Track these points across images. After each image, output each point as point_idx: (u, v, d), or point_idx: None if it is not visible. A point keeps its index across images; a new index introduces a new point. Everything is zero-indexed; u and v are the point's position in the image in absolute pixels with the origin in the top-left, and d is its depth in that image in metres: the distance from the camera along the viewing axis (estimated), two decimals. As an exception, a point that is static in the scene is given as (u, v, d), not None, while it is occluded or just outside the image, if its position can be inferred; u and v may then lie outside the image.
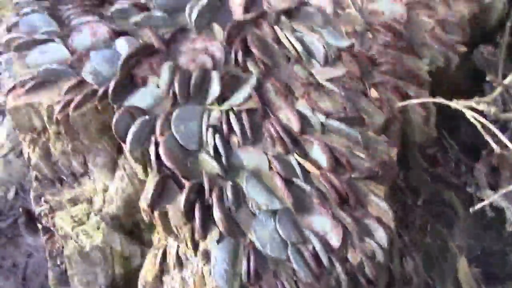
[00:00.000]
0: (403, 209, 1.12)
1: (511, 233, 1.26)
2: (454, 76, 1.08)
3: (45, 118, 0.97)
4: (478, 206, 0.89)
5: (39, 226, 1.15)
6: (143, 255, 1.05)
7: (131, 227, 1.09)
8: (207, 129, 0.90)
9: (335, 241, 0.82)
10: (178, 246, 0.92)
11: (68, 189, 1.09)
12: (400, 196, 1.12)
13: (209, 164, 0.88)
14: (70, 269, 1.06)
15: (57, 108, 0.94)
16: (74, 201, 1.09)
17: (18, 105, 0.96)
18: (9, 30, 1.03)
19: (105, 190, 1.08)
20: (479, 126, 0.78)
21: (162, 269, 0.97)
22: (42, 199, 1.11)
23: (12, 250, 1.76)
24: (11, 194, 1.79)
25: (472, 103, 0.83)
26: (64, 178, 1.09)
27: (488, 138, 0.77)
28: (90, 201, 1.10)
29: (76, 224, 1.09)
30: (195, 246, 0.86)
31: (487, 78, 0.93)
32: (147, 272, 1.00)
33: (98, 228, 1.08)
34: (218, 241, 0.83)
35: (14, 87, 0.98)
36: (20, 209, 1.73)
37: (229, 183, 0.86)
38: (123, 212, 1.07)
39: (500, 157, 1.09)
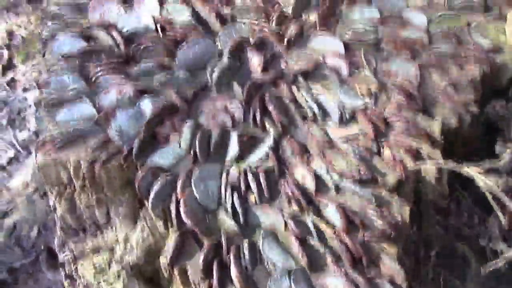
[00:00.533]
0: (416, 261, 1.14)
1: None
2: (467, 131, 1.11)
3: (72, 174, 1.02)
4: (492, 264, 0.91)
5: (62, 272, 1.19)
6: (163, 303, 1.08)
7: (150, 275, 1.13)
8: (225, 188, 0.94)
9: (348, 302, 0.85)
10: (196, 301, 0.96)
11: (91, 238, 1.13)
12: (413, 248, 1.14)
13: (227, 222, 0.92)
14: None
15: (84, 165, 0.99)
16: (96, 250, 1.13)
17: (47, 162, 1.02)
18: (40, 87, 1.09)
19: (126, 239, 1.11)
20: (489, 197, 0.80)
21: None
22: (66, 247, 1.16)
23: (32, 285, 1.82)
24: (34, 233, 1.85)
25: (480, 168, 0.86)
26: (88, 227, 1.13)
27: (496, 207, 0.79)
28: (111, 250, 1.13)
29: (98, 272, 1.13)
30: (213, 302, 0.89)
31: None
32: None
33: (118, 277, 1.12)
34: (235, 299, 0.86)
35: (44, 143, 1.04)
36: (42, 247, 1.79)
37: (246, 242, 0.89)
38: (143, 261, 1.11)
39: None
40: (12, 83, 3.03)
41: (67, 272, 1.18)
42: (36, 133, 2.67)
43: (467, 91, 1.07)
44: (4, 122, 2.83)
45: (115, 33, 1.11)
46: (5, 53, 3.15)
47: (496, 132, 1.32)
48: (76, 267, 1.15)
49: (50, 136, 1.03)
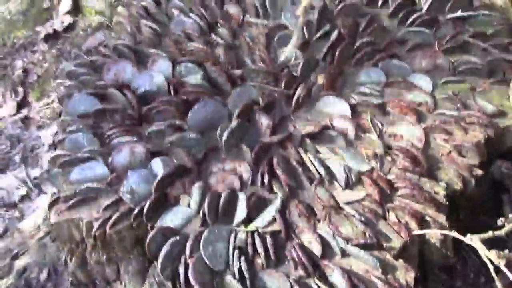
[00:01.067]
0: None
1: None
2: (472, 191, 1.13)
3: (84, 233, 1.04)
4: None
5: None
6: None
7: None
8: (233, 251, 0.96)
9: None
10: None
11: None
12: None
13: (234, 286, 0.93)
14: None
15: (96, 225, 1.02)
16: None
17: (60, 221, 1.04)
18: (55, 146, 1.13)
19: None
20: (491, 268, 0.82)
21: None
22: None
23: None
24: (44, 276, 1.86)
25: (483, 236, 0.87)
26: (98, 283, 1.15)
27: (497, 280, 0.81)
28: None
29: None
30: None
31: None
32: None
33: None
34: None
35: (57, 202, 1.07)
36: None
37: None
38: None
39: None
40: (26, 120, 3.09)
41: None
42: (49, 171, 2.71)
43: (471, 155, 1.09)
44: (18, 159, 2.88)
45: (129, 93, 1.15)
46: (20, 90, 3.22)
47: (502, 188, 1.33)
48: None
49: (64, 195, 1.06)
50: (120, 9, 1.43)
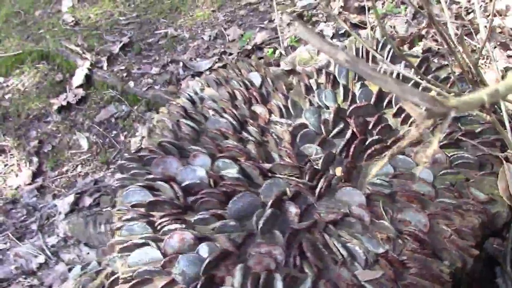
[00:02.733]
0: None
1: None
2: (471, 268, 1.32)
3: None
4: None
5: None
6: None
7: None
8: None
9: None
10: None
11: None
12: None
13: None
14: None
15: None
16: None
17: None
18: (113, 233, 1.31)
19: None
20: None
21: None
22: None
23: None
24: None
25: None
26: None
27: None
28: None
29: None
30: None
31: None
32: None
33: None
34: None
35: (116, 282, 1.24)
36: None
37: None
38: None
39: None
40: (41, 189, 3.25)
41: None
42: (65, 240, 2.85)
43: (468, 237, 1.29)
44: (35, 227, 3.03)
45: (175, 186, 1.34)
46: (35, 160, 3.40)
47: (495, 262, 1.53)
48: None
49: (123, 276, 1.24)
50: (162, 108, 1.64)
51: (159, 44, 3.81)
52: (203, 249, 1.24)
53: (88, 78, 3.65)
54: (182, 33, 3.84)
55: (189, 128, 1.47)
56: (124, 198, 1.35)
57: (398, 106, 1.47)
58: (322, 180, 1.35)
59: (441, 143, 1.41)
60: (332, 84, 1.54)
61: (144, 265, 1.23)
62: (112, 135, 3.31)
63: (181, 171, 1.38)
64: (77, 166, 3.24)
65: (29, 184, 3.30)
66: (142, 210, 1.33)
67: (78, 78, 3.66)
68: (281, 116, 1.50)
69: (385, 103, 1.51)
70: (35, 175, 3.34)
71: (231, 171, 1.36)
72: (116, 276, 1.25)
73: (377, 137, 1.42)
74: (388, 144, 1.41)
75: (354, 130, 1.42)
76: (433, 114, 0.56)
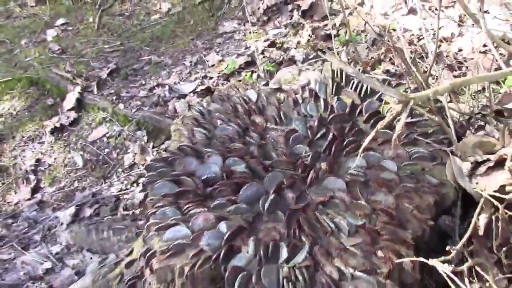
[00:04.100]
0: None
1: None
2: (428, 236, 1.70)
3: (177, 275, 1.53)
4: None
5: None
6: None
7: None
8: (282, 280, 1.48)
9: None
10: None
11: None
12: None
13: None
14: None
15: (186, 268, 1.52)
16: None
17: (160, 267, 1.54)
18: (148, 218, 1.63)
19: None
20: (448, 280, 1.37)
21: None
22: None
23: None
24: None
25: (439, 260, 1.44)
26: None
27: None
28: None
29: None
30: None
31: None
32: None
33: None
34: None
35: (153, 255, 1.56)
36: None
37: None
38: None
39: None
40: (41, 203, 3.51)
41: None
42: (68, 247, 3.10)
43: (425, 212, 1.68)
44: (38, 238, 3.28)
45: (196, 179, 1.69)
46: (32, 178, 3.65)
47: (446, 236, 1.92)
48: None
49: (160, 249, 1.56)
50: (176, 120, 1.98)
51: (144, 70, 4.15)
52: (223, 226, 1.59)
53: (79, 101, 3.94)
54: (165, 59, 4.19)
55: (202, 134, 1.82)
56: (155, 190, 1.68)
57: (368, 114, 1.86)
58: (311, 172, 1.72)
59: (402, 142, 1.81)
60: (314, 98, 1.92)
61: (177, 240, 1.56)
62: (105, 153, 3.59)
63: (199, 168, 1.72)
64: (74, 181, 3.51)
65: (29, 199, 3.54)
66: (170, 199, 1.66)
67: (70, 101, 3.95)
68: (276, 124, 1.87)
69: (357, 113, 1.90)
70: (33, 191, 3.59)
71: (240, 167, 1.72)
72: (153, 251, 1.57)
73: (352, 138, 1.80)
74: (361, 143, 1.80)
75: (334, 133, 1.81)
76: (401, 102, 0.94)
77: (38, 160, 3.71)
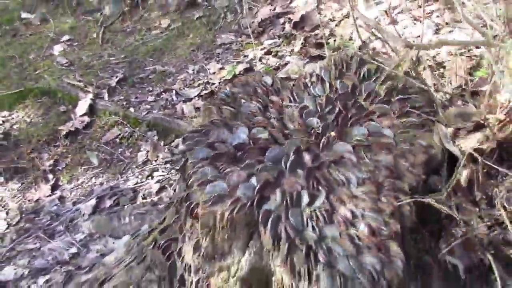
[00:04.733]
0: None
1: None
2: (421, 189, 2.05)
3: (218, 219, 1.85)
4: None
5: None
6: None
7: (256, 284, 1.92)
8: (306, 219, 1.81)
9: None
10: None
11: (219, 262, 1.93)
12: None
13: (309, 234, 1.77)
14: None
15: (226, 213, 1.84)
16: (221, 269, 1.93)
17: (204, 213, 1.86)
18: (190, 177, 1.95)
19: (239, 262, 1.92)
20: (446, 210, 1.72)
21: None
22: (202, 269, 1.94)
23: None
24: (129, 293, 2.54)
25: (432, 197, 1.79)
26: (217, 255, 1.93)
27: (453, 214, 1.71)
28: (229, 269, 1.93)
29: (223, 282, 1.92)
30: None
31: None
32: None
33: (235, 285, 1.91)
34: None
35: (197, 206, 1.88)
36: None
37: (322, 245, 1.75)
38: (250, 275, 1.91)
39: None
40: (61, 199, 3.78)
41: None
42: (91, 235, 3.37)
43: (418, 168, 2.03)
44: (61, 228, 3.55)
45: (228, 145, 2.02)
46: (51, 177, 3.93)
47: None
48: (208, 283, 1.94)
49: (203, 200, 1.88)
50: (205, 102, 2.32)
51: (149, 78, 4.48)
52: (254, 180, 1.92)
53: (91, 107, 4.25)
54: (168, 68, 4.53)
55: (228, 111, 2.16)
56: (194, 155, 2.00)
57: (366, 93, 2.23)
58: (323, 139, 2.07)
59: (396, 114, 2.17)
60: (321, 82, 2.29)
61: (216, 192, 1.89)
62: (119, 152, 3.90)
63: (229, 137, 2.06)
64: (91, 178, 3.79)
65: (49, 195, 3.81)
66: (208, 161, 1.99)
67: (82, 107, 4.25)
68: (290, 102, 2.23)
69: (357, 92, 2.27)
70: (53, 189, 3.86)
71: (263, 135, 2.06)
72: (196, 202, 1.90)
73: (355, 112, 2.16)
74: (362, 116, 2.16)
75: (340, 108, 2.16)
76: (407, 46, 1.30)
77: (56, 161, 3.98)
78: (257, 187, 1.87)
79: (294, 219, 1.80)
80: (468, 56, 3.44)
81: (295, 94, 2.23)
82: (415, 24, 4.18)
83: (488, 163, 1.95)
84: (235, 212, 1.83)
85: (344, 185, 1.94)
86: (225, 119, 2.13)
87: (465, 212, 2.04)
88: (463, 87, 2.50)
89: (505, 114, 1.92)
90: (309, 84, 2.29)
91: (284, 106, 2.21)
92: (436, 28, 4.08)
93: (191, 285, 1.99)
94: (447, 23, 4.29)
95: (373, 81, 2.27)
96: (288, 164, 1.97)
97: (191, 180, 1.94)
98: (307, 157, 2.02)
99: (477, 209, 2.10)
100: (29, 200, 3.82)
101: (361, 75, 2.29)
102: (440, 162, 2.14)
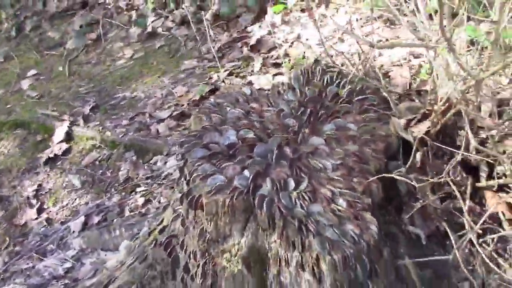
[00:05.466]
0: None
1: None
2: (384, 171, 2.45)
3: (220, 206, 2.18)
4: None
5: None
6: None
7: (254, 262, 2.25)
8: (294, 199, 2.17)
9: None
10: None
11: (221, 245, 2.25)
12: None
13: (299, 211, 2.13)
14: None
15: (227, 200, 2.17)
16: (224, 251, 2.25)
17: (208, 202, 2.18)
18: (191, 173, 2.28)
19: (239, 243, 2.26)
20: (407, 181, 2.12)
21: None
22: (207, 252, 2.26)
23: None
24: (134, 288, 2.80)
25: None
26: (220, 239, 2.26)
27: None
28: (230, 250, 2.26)
29: (226, 263, 2.24)
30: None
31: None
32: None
33: (237, 263, 2.24)
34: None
35: (200, 197, 2.21)
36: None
37: (311, 218, 2.11)
38: (249, 254, 2.24)
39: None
40: (48, 220, 3.99)
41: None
42: (82, 250, 3.59)
43: (379, 154, 2.44)
44: (53, 246, 3.76)
45: (221, 145, 2.37)
46: (34, 202, 4.13)
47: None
48: (214, 263, 2.25)
49: (205, 191, 2.21)
50: (194, 111, 2.66)
51: (121, 104, 4.76)
52: (246, 172, 2.26)
53: (68, 134, 4.48)
54: (138, 94, 4.82)
55: (217, 117, 2.51)
56: (192, 155, 2.34)
57: (331, 95, 2.64)
58: (300, 135, 2.45)
59: (358, 111, 2.58)
60: (292, 89, 2.68)
61: (216, 184, 2.22)
62: (100, 173, 4.15)
63: (221, 138, 2.41)
64: (75, 199, 4.02)
65: (36, 219, 4.01)
66: (205, 159, 2.33)
67: (59, 135, 4.48)
68: (268, 107, 2.60)
69: (323, 96, 2.68)
70: (39, 212, 4.06)
71: (250, 135, 2.42)
72: (198, 194, 2.22)
73: (323, 111, 2.56)
74: (330, 115, 2.57)
75: (311, 109, 2.56)
76: (371, 45, 1.70)
77: (39, 186, 4.18)
78: (250, 177, 2.22)
79: (284, 200, 2.16)
80: (408, 66, 3.94)
81: (271, 101, 2.61)
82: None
83: (436, 144, 2.38)
84: (234, 199, 2.17)
85: (321, 171, 2.31)
86: (214, 125, 2.47)
87: (421, 187, 2.46)
88: (409, 88, 2.96)
89: (445, 104, 2.37)
90: (282, 92, 2.68)
91: (263, 110, 2.58)
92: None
93: (198, 268, 2.30)
94: (387, 39, 4.84)
95: (335, 85, 2.68)
96: (273, 157, 2.33)
97: (193, 176, 2.26)
98: (288, 151, 2.39)
99: (430, 184, 2.53)
100: (15, 225, 4.00)
101: (325, 81, 2.70)
102: (396, 150, 2.56)
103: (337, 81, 2.71)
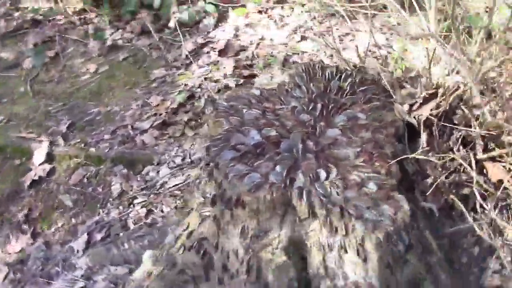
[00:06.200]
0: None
1: None
2: (394, 151, 2.65)
3: (261, 202, 2.30)
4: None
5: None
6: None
7: (293, 251, 2.38)
8: (329, 188, 2.32)
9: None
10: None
11: (263, 240, 2.37)
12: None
13: (337, 198, 2.29)
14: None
15: (268, 196, 2.29)
16: (266, 245, 2.37)
17: (250, 199, 2.29)
18: (226, 175, 2.38)
19: (279, 235, 2.38)
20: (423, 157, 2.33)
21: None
22: None
23: None
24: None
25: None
26: (261, 234, 2.37)
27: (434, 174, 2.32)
28: (272, 243, 2.38)
29: (269, 255, 2.36)
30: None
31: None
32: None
33: (281, 254, 2.36)
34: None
35: (240, 195, 2.32)
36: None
37: (349, 204, 2.27)
38: (288, 245, 2.37)
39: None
40: (46, 243, 3.92)
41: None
42: (90, 268, 3.56)
43: (391, 138, 2.64)
44: (58, 269, 3.71)
45: (247, 145, 2.48)
46: (25, 227, 4.04)
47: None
48: (259, 257, 2.36)
49: (244, 190, 2.31)
50: (207, 115, 2.74)
51: (97, 120, 4.71)
52: (278, 168, 2.39)
53: (49, 155, 4.40)
54: (113, 108, 4.80)
55: (236, 119, 2.62)
56: (223, 157, 2.44)
57: (335, 89, 2.81)
58: (317, 128, 2.61)
59: (363, 101, 2.77)
60: (298, 87, 2.84)
61: (254, 182, 2.33)
62: (90, 190, 4.12)
63: (245, 139, 2.52)
64: (70, 218, 3.98)
65: (32, 244, 3.92)
66: (236, 160, 2.43)
67: (39, 157, 4.37)
68: (280, 105, 2.74)
69: (328, 90, 2.85)
70: (34, 237, 3.97)
71: (272, 133, 2.55)
72: (237, 194, 2.33)
73: (333, 105, 2.73)
74: (339, 107, 2.74)
75: (322, 104, 2.72)
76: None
77: (29, 210, 4.09)
78: (284, 172, 2.35)
79: (321, 189, 2.31)
80: (375, 57, 4.19)
81: (282, 99, 2.76)
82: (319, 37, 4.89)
83: (442, 123, 2.61)
84: (274, 194, 2.29)
85: (345, 159, 2.48)
86: (235, 127, 2.58)
87: (431, 165, 2.68)
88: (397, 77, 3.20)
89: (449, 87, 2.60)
90: (289, 90, 2.82)
91: (277, 109, 2.72)
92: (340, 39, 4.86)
93: (241, 265, 2.40)
94: (347, 33, 5.11)
95: (337, 79, 2.86)
96: (299, 151, 2.47)
97: (229, 177, 2.36)
98: (311, 144, 2.54)
99: (438, 161, 2.75)
100: (9, 254, 3.89)
101: (327, 77, 2.88)
102: (402, 133, 2.78)
103: (337, 76, 2.88)
